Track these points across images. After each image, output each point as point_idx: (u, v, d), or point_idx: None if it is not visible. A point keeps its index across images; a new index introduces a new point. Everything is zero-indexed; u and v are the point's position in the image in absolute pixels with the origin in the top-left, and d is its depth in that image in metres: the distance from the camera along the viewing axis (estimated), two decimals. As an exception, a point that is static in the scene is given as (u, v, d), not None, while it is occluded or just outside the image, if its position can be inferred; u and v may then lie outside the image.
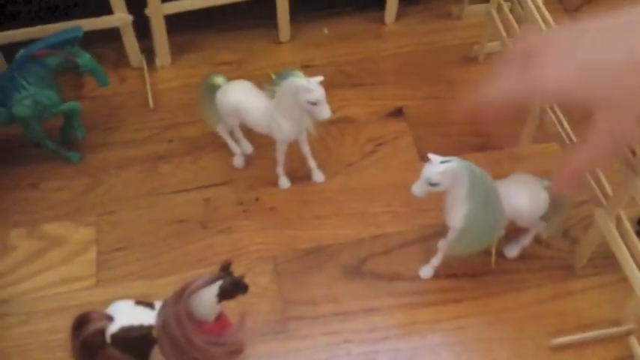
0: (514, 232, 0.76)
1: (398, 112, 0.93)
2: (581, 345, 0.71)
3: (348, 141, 0.90)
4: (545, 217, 0.72)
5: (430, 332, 0.72)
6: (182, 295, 0.59)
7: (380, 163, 0.88)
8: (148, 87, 0.96)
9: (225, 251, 0.79)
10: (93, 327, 0.61)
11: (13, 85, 0.78)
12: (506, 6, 0.90)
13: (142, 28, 0.96)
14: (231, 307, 0.64)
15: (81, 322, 0.62)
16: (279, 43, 1.03)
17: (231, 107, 0.79)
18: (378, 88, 0.97)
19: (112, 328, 0.61)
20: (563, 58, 0.43)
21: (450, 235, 0.71)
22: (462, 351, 0.71)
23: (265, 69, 0.96)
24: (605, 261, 0.76)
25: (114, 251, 0.79)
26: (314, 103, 0.72)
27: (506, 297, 0.75)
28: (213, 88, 0.81)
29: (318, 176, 0.85)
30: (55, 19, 0.87)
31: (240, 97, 0.79)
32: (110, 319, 0.61)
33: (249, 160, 0.87)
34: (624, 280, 0.68)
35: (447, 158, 0.65)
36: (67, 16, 0.88)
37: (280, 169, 0.84)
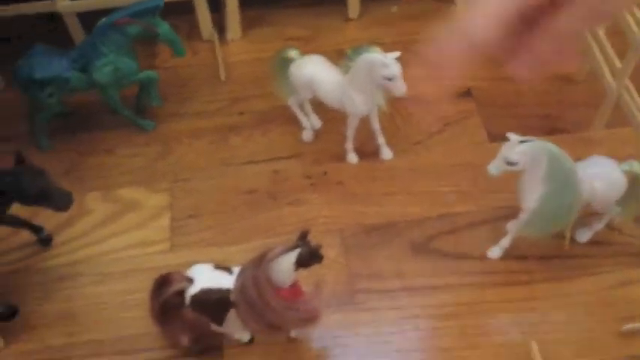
0: (587, 216, 0.75)
1: (466, 93, 0.92)
2: (652, 332, 0.70)
3: (416, 120, 0.90)
4: (620, 202, 0.71)
5: (499, 312, 0.72)
6: (262, 261, 0.60)
7: (448, 142, 0.88)
8: (220, 59, 0.97)
9: (294, 223, 0.80)
10: (174, 288, 0.63)
11: (95, 52, 0.81)
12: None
13: (214, 1, 0.97)
14: (303, 277, 0.65)
15: (162, 282, 0.65)
16: (348, 20, 1.03)
17: (305, 80, 0.80)
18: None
19: (193, 290, 0.63)
20: None
21: (522, 216, 0.71)
22: (530, 332, 0.70)
23: (333, 45, 0.97)
24: (679, 250, 0.75)
25: (187, 218, 0.81)
26: (390, 79, 0.73)
27: (576, 281, 0.74)
28: (287, 61, 0.82)
29: (387, 153, 0.86)
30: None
31: (314, 70, 0.80)
32: (190, 281, 0.63)
33: (317, 134, 0.88)
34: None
35: (526, 138, 0.65)
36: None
37: (349, 145, 0.85)
